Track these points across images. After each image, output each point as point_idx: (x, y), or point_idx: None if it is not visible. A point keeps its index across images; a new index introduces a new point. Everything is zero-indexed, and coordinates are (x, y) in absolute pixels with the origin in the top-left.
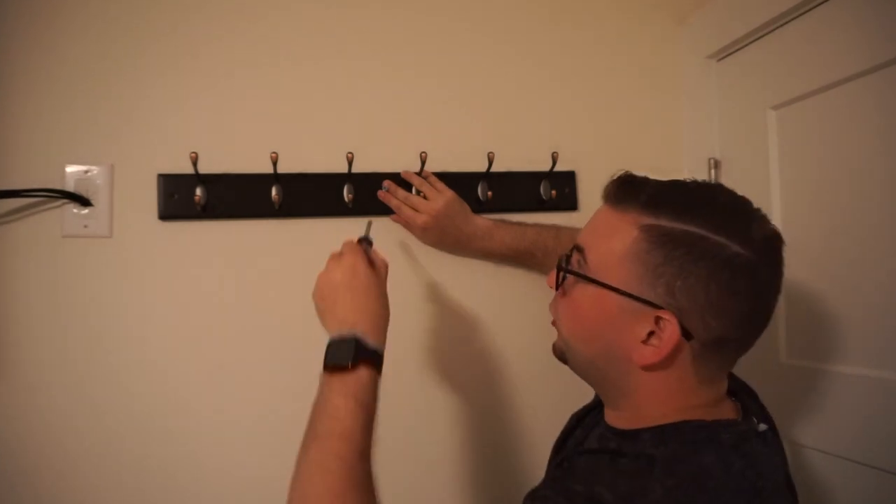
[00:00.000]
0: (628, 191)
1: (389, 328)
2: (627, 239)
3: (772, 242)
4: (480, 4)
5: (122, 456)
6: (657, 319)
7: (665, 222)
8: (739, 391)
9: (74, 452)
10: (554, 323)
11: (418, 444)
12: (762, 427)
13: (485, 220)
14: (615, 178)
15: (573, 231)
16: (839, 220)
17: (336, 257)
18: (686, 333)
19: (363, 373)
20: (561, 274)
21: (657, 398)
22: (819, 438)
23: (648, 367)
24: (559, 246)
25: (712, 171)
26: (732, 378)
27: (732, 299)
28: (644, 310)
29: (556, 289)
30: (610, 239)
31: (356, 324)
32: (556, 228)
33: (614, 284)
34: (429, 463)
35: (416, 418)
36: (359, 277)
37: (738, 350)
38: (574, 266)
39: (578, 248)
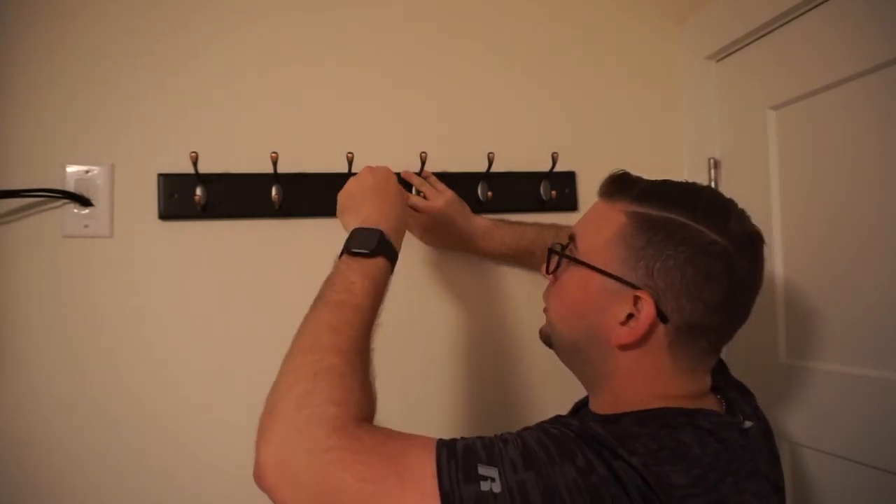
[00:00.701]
0: (621, 186)
1: (388, 327)
2: (615, 225)
3: (750, 238)
4: (480, 5)
5: (123, 455)
6: (635, 300)
7: (651, 210)
8: (728, 389)
9: (75, 452)
10: (545, 310)
11: None
12: (747, 424)
13: (484, 220)
14: (610, 174)
15: (572, 229)
16: (839, 220)
17: (371, 168)
18: (662, 316)
19: (381, 261)
20: (553, 259)
21: (635, 382)
22: (818, 438)
23: (625, 347)
24: None
25: (712, 171)
26: (724, 377)
27: (707, 284)
28: (624, 290)
29: (548, 273)
30: (599, 226)
31: (381, 223)
32: (556, 227)
33: (598, 266)
34: None
35: (416, 418)
36: (389, 186)
37: (713, 341)
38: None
39: (571, 237)
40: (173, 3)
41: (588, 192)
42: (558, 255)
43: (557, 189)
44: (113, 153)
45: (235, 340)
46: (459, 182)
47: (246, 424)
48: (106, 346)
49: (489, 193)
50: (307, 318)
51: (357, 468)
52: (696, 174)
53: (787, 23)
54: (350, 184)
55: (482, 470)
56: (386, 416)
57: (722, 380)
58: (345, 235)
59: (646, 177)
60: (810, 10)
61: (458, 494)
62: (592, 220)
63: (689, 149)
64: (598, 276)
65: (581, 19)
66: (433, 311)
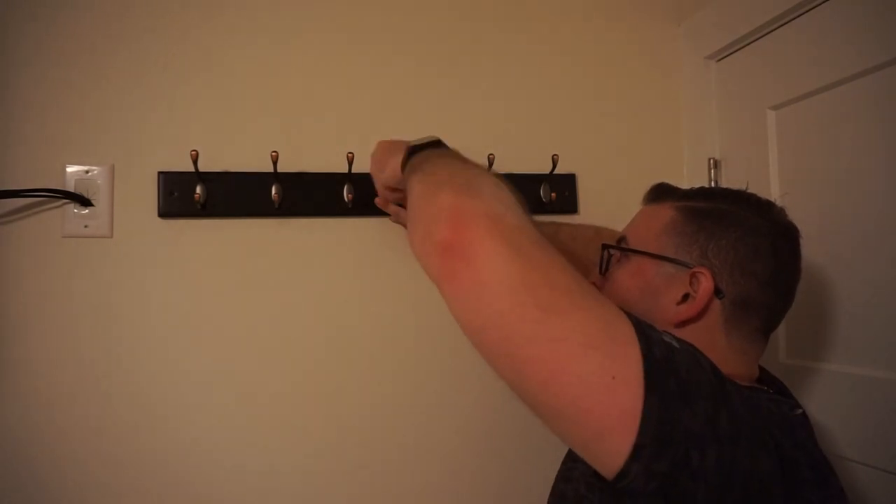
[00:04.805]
0: (665, 190)
1: (391, 328)
2: (665, 218)
3: (790, 228)
4: (480, 7)
5: (122, 455)
6: (692, 278)
7: (697, 203)
8: (772, 384)
9: (74, 452)
10: None
11: (426, 443)
12: (799, 410)
13: None
14: (653, 185)
15: (572, 228)
16: (838, 220)
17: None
18: (718, 292)
19: None
20: (605, 255)
21: None
22: (818, 438)
23: (683, 323)
24: (557, 243)
25: (712, 171)
26: (764, 371)
27: (757, 260)
28: (679, 273)
29: (601, 272)
30: (648, 222)
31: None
32: (556, 225)
33: (653, 252)
34: (441, 460)
35: (416, 416)
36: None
37: (764, 319)
38: (616, 253)
39: (620, 240)
40: (173, 3)
41: (588, 194)
42: (611, 251)
43: (557, 191)
44: (113, 153)
45: (235, 339)
46: None
47: (246, 422)
48: (106, 346)
49: None
50: (444, 166)
51: (564, 259)
52: (696, 174)
53: (786, 23)
54: (382, 143)
55: (659, 330)
56: (389, 413)
57: (764, 374)
58: (347, 237)
59: (647, 177)
60: (810, 10)
61: (647, 330)
62: (641, 220)
63: (689, 149)
64: (652, 263)
65: (580, 20)
66: (431, 313)
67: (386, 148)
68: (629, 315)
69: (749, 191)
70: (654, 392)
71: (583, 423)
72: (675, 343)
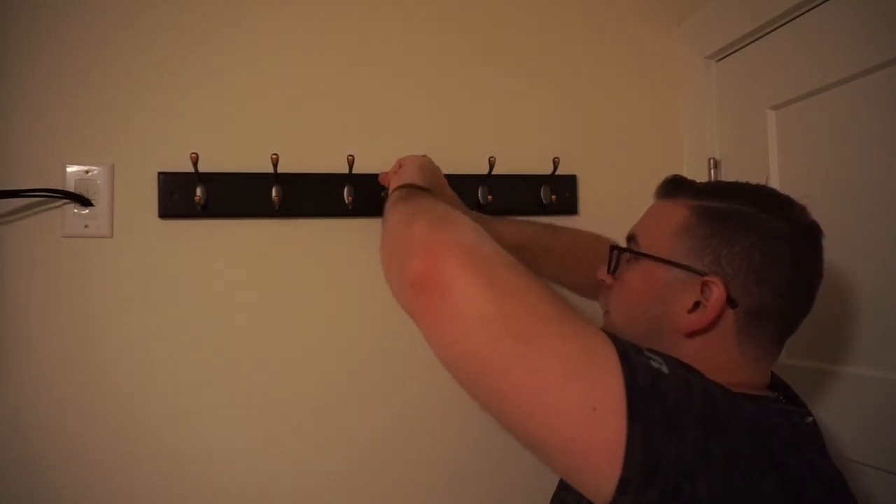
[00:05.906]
0: (680, 185)
1: (393, 326)
2: (678, 217)
3: (812, 227)
4: (481, 8)
5: (121, 456)
6: (703, 287)
7: (713, 203)
8: (783, 390)
9: (73, 452)
10: (606, 313)
11: (428, 443)
12: (810, 419)
13: (480, 215)
14: (666, 177)
15: (572, 231)
16: (838, 220)
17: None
18: (731, 301)
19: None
20: (614, 256)
21: (701, 370)
22: None
23: (693, 334)
24: (558, 245)
25: (712, 171)
26: (774, 376)
27: (774, 268)
28: (691, 279)
29: (610, 272)
30: (660, 221)
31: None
32: (554, 228)
33: (664, 257)
34: (443, 462)
35: (421, 419)
36: (433, 167)
37: (779, 328)
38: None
39: (630, 237)
40: (173, 3)
41: (589, 195)
42: (620, 252)
43: (557, 193)
44: (113, 153)
45: (235, 339)
46: (460, 185)
47: (245, 423)
48: (105, 346)
49: (489, 197)
50: (425, 201)
51: (544, 285)
52: (696, 174)
53: (787, 23)
54: (407, 158)
55: (647, 353)
56: (389, 413)
57: (775, 380)
58: (347, 238)
59: (647, 177)
60: (810, 10)
61: (631, 356)
62: (653, 218)
63: (689, 149)
64: (663, 268)
65: (581, 20)
66: None
67: (419, 165)
68: (615, 340)
69: (768, 186)
70: (637, 422)
71: (566, 454)
72: (663, 368)
